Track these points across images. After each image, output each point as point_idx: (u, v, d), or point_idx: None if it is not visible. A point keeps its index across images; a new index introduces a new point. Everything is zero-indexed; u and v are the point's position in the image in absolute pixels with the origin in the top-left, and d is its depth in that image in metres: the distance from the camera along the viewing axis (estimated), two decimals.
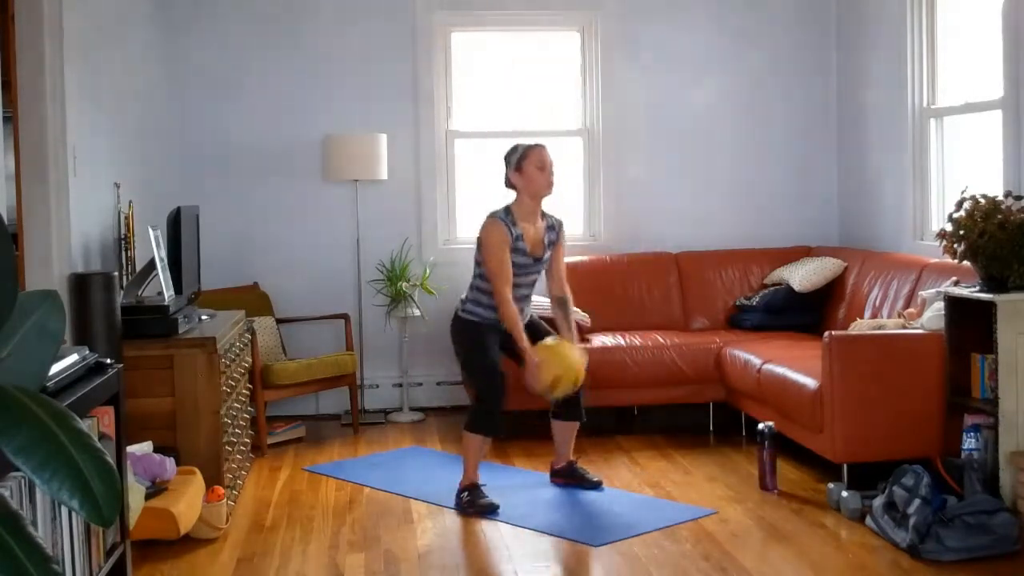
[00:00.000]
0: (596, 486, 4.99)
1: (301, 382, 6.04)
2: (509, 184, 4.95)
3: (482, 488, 4.77)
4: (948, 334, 4.58)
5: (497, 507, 4.68)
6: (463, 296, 5.01)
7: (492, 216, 4.90)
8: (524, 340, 4.75)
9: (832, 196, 7.07)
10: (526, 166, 4.88)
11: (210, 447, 4.51)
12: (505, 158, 4.98)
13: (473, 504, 4.71)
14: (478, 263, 4.91)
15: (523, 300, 4.92)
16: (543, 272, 5.02)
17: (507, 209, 4.91)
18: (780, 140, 7.05)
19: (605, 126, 6.90)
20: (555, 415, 5.02)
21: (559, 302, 5.01)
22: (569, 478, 5.04)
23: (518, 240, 4.85)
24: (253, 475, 5.38)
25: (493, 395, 4.75)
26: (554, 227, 5.00)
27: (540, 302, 5.31)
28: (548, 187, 4.90)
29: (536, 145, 4.96)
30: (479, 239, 4.90)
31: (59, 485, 1.55)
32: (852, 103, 6.83)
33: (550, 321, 5.07)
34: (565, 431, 5.02)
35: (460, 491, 4.79)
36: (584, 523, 4.55)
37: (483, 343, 4.84)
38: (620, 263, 6.68)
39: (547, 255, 4.96)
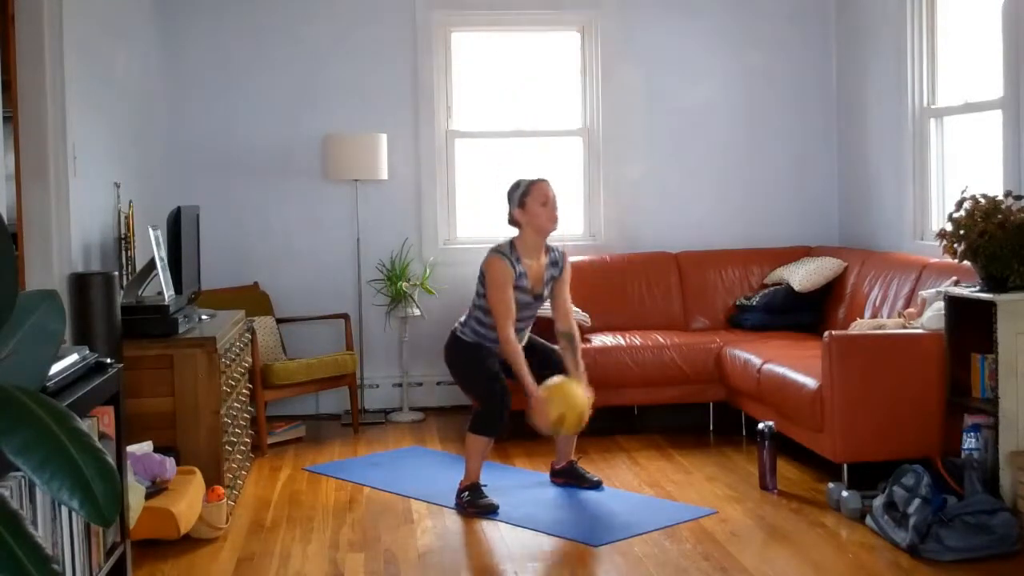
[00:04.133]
0: (596, 486, 4.99)
1: (301, 382, 6.04)
2: (513, 221, 4.89)
3: (483, 488, 4.77)
4: (948, 334, 4.58)
5: (497, 507, 4.68)
6: (461, 320, 4.99)
7: (497, 252, 4.82)
8: (529, 378, 4.69)
9: (832, 196, 7.07)
10: (529, 203, 4.82)
11: (210, 447, 4.51)
12: (508, 195, 4.91)
13: (473, 504, 4.71)
14: (479, 294, 4.87)
15: (520, 332, 4.90)
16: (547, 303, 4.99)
17: (511, 244, 4.85)
18: (780, 140, 7.05)
19: (605, 126, 6.90)
20: None
21: (566, 338, 4.93)
22: (569, 478, 5.04)
23: (521, 278, 4.80)
24: (253, 475, 5.38)
25: (496, 399, 4.75)
26: (557, 262, 4.94)
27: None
28: (552, 222, 4.83)
29: (538, 180, 4.89)
30: (482, 272, 4.86)
31: (59, 485, 1.55)
32: (852, 103, 6.83)
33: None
34: None
35: (461, 491, 4.79)
36: (584, 523, 4.55)
37: (481, 356, 4.84)
38: (620, 263, 6.68)
39: (547, 292, 4.92)
